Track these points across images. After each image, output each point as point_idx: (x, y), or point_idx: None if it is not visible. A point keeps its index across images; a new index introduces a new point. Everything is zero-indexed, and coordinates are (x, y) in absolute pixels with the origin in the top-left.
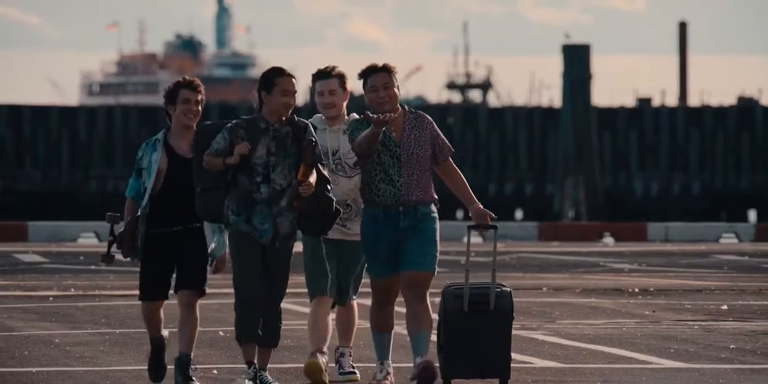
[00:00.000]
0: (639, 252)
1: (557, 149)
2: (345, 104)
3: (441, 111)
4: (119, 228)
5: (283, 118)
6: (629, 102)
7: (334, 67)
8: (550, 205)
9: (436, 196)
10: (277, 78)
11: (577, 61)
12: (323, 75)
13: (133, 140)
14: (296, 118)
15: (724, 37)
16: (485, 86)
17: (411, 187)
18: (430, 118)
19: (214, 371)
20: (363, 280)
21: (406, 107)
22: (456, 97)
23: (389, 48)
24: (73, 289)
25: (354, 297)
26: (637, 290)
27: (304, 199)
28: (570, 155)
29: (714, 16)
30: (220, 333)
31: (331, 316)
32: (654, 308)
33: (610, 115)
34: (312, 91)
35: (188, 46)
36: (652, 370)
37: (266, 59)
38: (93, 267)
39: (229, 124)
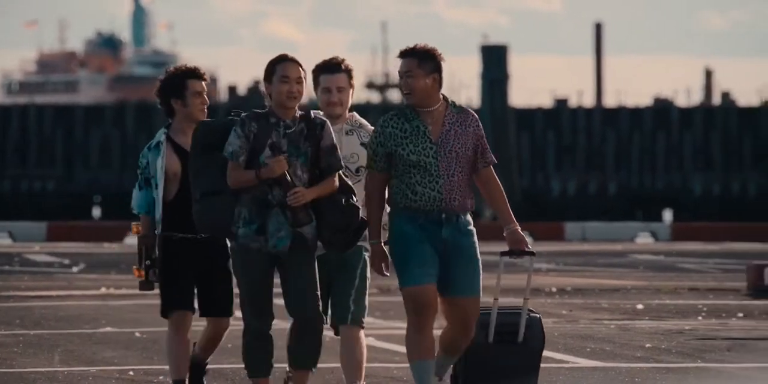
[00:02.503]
0: (556, 251)
1: None
2: (350, 102)
3: (360, 111)
4: (154, 251)
5: (297, 115)
6: (546, 102)
7: (342, 60)
8: None
9: (473, 202)
10: (276, 65)
11: (494, 61)
12: (330, 69)
13: (47, 140)
14: (312, 114)
15: (639, 38)
16: None
17: (453, 191)
18: (476, 116)
19: (131, 373)
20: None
21: (449, 100)
22: (375, 97)
23: (306, 47)
24: None
25: (363, 318)
26: (554, 290)
27: (302, 211)
28: None
29: (629, 17)
30: (137, 334)
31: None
32: (571, 307)
33: (528, 115)
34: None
35: (109, 44)
36: (569, 369)
37: (189, 58)
38: (7, 267)
39: (239, 119)
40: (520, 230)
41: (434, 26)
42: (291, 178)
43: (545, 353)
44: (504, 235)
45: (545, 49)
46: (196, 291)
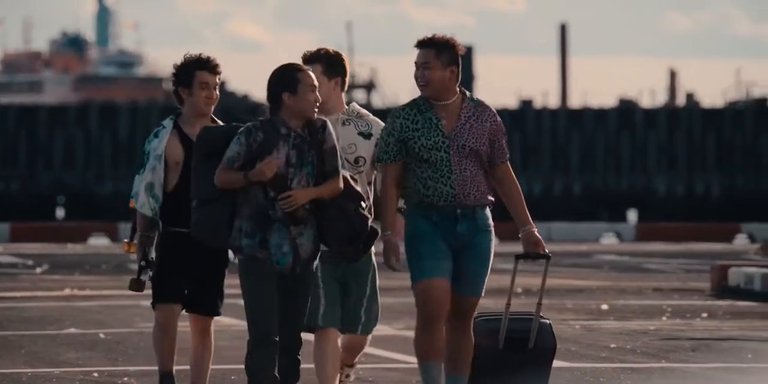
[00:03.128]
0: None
1: None
2: (341, 93)
3: None
4: (151, 251)
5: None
6: (512, 103)
7: (318, 50)
8: None
9: (492, 198)
10: (298, 74)
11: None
12: (308, 60)
13: (10, 140)
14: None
15: (604, 39)
16: (369, 87)
17: (466, 185)
18: (494, 110)
19: (95, 374)
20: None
21: (466, 93)
22: None
23: (272, 47)
24: None
25: (373, 327)
26: (519, 290)
27: (300, 210)
28: None
29: (594, 18)
30: (101, 335)
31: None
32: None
33: None
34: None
35: (74, 43)
36: None
37: (155, 58)
38: None
39: (244, 127)
40: (536, 232)
41: (400, 27)
42: (282, 182)
43: None
44: (519, 236)
45: (510, 49)
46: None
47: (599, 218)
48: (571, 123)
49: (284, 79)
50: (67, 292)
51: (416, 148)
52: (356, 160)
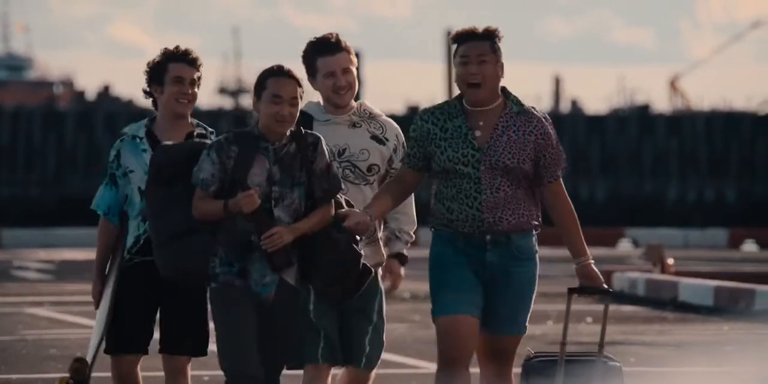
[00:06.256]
0: (411, 257)
1: None
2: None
3: (212, 117)
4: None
5: (290, 131)
6: (399, 109)
7: (337, 36)
8: None
9: (539, 221)
10: (267, 80)
11: None
12: (329, 48)
13: None
14: (303, 130)
15: None
16: None
17: (497, 209)
18: (544, 119)
19: None
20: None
21: (511, 96)
22: (228, 103)
23: (154, 51)
24: None
25: (378, 359)
26: (407, 295)
27: (281, 253)
28: None
29: (478, 24)
30: None
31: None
32: (424, 313)
33: None
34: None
35: None
36: (422, 375)
37: (44, 61)
38: None
39: (215, 141)
40: (593, 265)
41: (285, 31)
42: (265, 217)
43: (397, 359)
44: (575, 270)
45: (396, 55)
46: (160, 325)
47: None
48: None
49: (256, 83)
50: None
51: (442, 161)
52: (369, 169)
